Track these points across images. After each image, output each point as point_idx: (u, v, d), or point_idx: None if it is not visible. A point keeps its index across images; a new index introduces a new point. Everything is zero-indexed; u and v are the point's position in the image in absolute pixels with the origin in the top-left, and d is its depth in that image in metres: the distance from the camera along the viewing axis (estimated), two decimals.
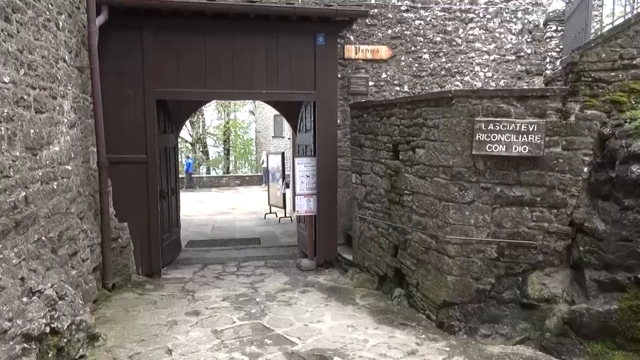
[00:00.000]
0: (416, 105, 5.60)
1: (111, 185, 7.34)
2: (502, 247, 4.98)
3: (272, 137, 28.59)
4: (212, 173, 31.27)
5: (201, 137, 32.31)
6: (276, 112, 28.99)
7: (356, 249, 7.42)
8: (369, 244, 6.97)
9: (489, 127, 4.81)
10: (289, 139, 14.15)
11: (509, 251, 4.98)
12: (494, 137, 4.81)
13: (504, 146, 4.80)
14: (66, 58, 5.89)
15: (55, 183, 5.30)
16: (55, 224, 5.12)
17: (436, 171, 5.25)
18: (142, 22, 7.28)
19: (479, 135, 4.83)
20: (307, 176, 8.20)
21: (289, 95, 7.85)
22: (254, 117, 33.24)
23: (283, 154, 13.05)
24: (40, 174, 4.91)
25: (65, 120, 5.79)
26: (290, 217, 12.84)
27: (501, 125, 4.79)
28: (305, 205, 8.18)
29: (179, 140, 33.00)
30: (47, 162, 5.16)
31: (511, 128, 4.78)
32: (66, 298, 4.51)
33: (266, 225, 12.45)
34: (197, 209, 15.97)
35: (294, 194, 8.50)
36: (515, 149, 4.79)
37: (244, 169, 33.57)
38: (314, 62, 7.80)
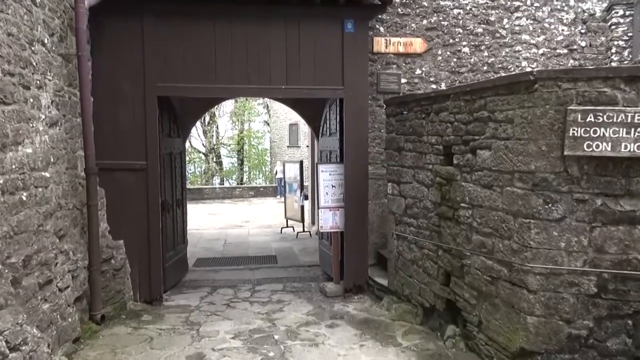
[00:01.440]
0: (479, 95, 4.38)
1: (104, 196, 6.21)
2: (604, 280, 3.71)
3: (287, 146, 27.48)
4: (226, 184, 30.23)
5: (215, 147, 31.34)
6: (292, 121, 27.97)
7: (392, 273, 6.16)
8: (409, 267, 5.72)
9: (588, 119, 3.57)
10: (307, 146, 13.01)
11: (614, 285, 3.70)
12: (594, 132, 3.57)
13: (609, 144, 3.56)
14: (45, 41, 4.79)
15: (24, 194, 4.16)
16: (20, 246, 3.97)
17: (509, 178, 4.01)
18: (142, 6, 6.19)
19: (573, 129, 3.59)
20: (332, 186, 7.00)
21: (312, 92, 6.68)
22: (269, 127, 32.24)
23: (301, 162, 11.88)
24: (0, 181, 3.78)
25: (43, 117, 4.68)
26: (309, 231, 11.63)
27: (605, 116, 3.55)
28: (330, 220, 6.96)
29: (191, 149, 32.18)
30: (14, 167, 4.03)
31: (619, 120, 3.53)
32: (24, 347, 3.34)
33: (283, 240, 11.24)
34: (208, 221, 14.83)
35: (317, 207, 7.30)
36: (625, 147, 3.54)
37: (258, 179, 32.46)
38: (342, 52, 6.63)
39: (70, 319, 4.66)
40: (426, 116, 5.24)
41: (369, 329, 5.43)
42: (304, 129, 26.82)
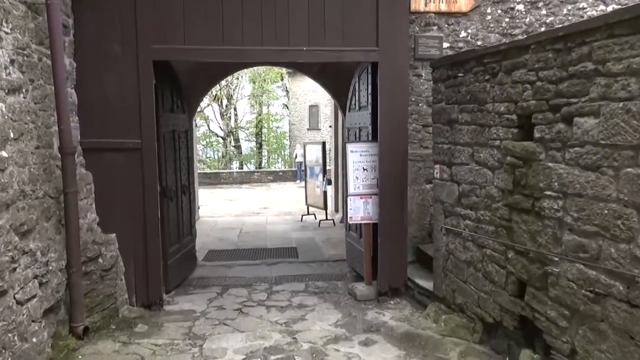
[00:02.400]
0: (579, 40, 3.11)
1: (92, 182, 5.14)
2: None
3: (307, 129, 26.30)
4: (244, 168, 29.25)
5: (233, 130, 30.31)
6: (312, 103, 26.69)
7: (440, 275, 4.98)
8: (464, 270, 4.52)
9: None
10: (330, 126, 11.80)
11: None
12: None
13: None
14: None
15: None
16: None
17: (631, 156, 2.77)
18: None
19: None
20: (363, 169, 5.81)
21: (341, 55, 5.45)
22: (288, 110, 31.04)
23: (324, 144, 10.69)
24: None
25: None
26: (333, 219, 10.49)
27: None
28: (361, 210, 5.78)
29: (209, 133, 31.12)
30: None
31: None
32: None
33: (303, 230, 10.12)
34: (224, 208, 13.81)
35: (345, 194, 6.15)
36: None
37: (277, 164, 31.37)
38: (376, 6, 5.38)
39: (35, 339, 3.62)
40: (492, 77, 3.99)
41: (414, 348, 4.28)
42: (325, 110, 25.55)
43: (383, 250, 5.60)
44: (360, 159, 5.79)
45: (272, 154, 31.46)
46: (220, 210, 13.33)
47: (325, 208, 10.56)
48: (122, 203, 5.24)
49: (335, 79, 7.12)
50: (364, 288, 5.77)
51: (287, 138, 29.34)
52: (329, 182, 10.40)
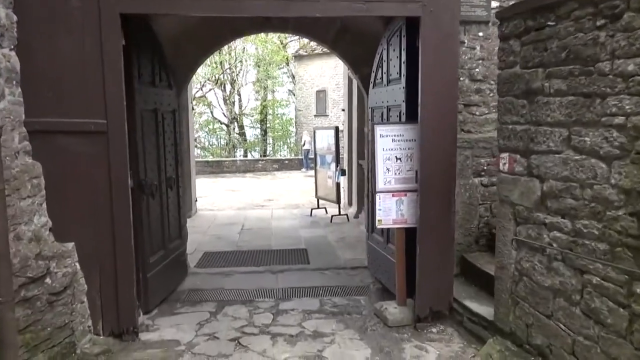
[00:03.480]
0: None
1: (41, 174, 3.83)
2: None
3: (314, 115, 24.92)
4: (249, 156, 27.91)
5: (237, 117, 28.94)
6: (319, 88, 25.23)
7: (506, 302, 3.66)
8: (548, 301, 3.20)
9: None
10: (343, 109, 10.42)
11: None
12: None
13: None
14: None
15: None
16: None
17: None
18: None
19: None
20: (396, 158, 4.47)
21: (369, 6, 4.07)
22: (294, 97, 29.59)
23: (337, 129, 9.33)
24: None
25: None
26: (346, 214, 9.18)
27: None
28: (393, 211, 4.45)
29: (212, 119, 29.66)
30: None
31: None
32: None
33: (314, 226, 8.82)
34: (225, 199, 12.53)
35: (371, 190, 4.83)
36: None
37: (282, 151, 30.01)
38: None
39: None
40: (610, 21, 2.63)
41: None
42: (333, 95, 24.14)
43: (423, 262, 4.28)
44: (392, 146, 4.46)
45: (278, 141, 30.09)
46: (221, 202, 12.05)
47: (339, 201, 9.25)
48: (82, 202, 3.94)
49: (355, 47, 5.73)
50: (397, 310, 4.46)
51: (293, 125, 27.94)
52: (343, 173, 9.08)
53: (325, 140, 9.66)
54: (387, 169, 4.47)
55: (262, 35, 24.06)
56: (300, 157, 21.92)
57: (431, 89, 4.08)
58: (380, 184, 4.48)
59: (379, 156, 4.47)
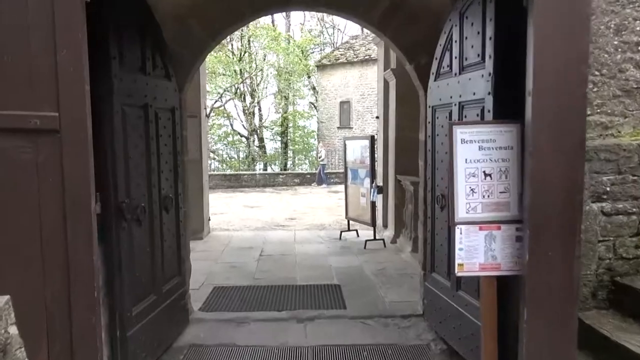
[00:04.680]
0: None
1: None
2: None
3: (337, 127, 23.63)
4: (269, 170, 26.66)
5: (257, 129, 27.79)
6: (342, 99, 23.88)
7: None
8: None
9: None
10: (377, 117, 8.96)
11: None
12: None
13: None
14: None
15: None
16: None
17: None
18: None
19: None
20: (484, 175, 3.03)
21: None
22: (315, 110, 28.34)
23: (372, 138, 7.91)
24: None
25: None
26: (383, 239, 7.72)
27: None
28: (481, 251, 3.00)
29: (232, 131, 28.45)
30: None
31: None
32: None
33: (345, 253, 7.39)
34: (243, 218, 11.19)
35: (451, 221, 3.40)
36: None
37: (303, 165, 28.70)
38: None
39: None
40: None
41: None
42: (357, 107, 22.82)
43: (533, 333, 2.80)
44: (479, 156, 3.02)
45: (298, 155, 28.80)
46: (237, 221, 10.71)
47: (374, 224, 7.81)
48: (22, 235, 2.61)
49: (409, 29, 4.34)
50: None
51: (315, 137, 26.64)
52: (380, 190, 7.64)
53: (357, 152, 8.25)
54: (472, 190, 3.04)
55: (283, 44, 22.96)
56: (315, 171, 20.57)
57: (549, 69, 2.64)
58: (461, 212, 3.04)
59: (460, 171, 3.04)
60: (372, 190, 7.58)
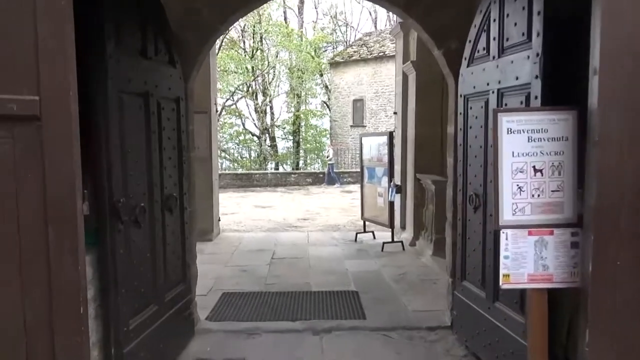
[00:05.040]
0: None
1: None
2: None
3: (351, 126, 23.19)
4: (280, 169, 26.31)
5: (268, 128, 27.46)
6: (356, 97, 23.39)
7: None
8: None
9: None
10: (395, 112, 8.51)
11: None
12: None
13: None
14: None
15: None
16: None
17: None
18: None
19: None
20: (535, 171, 2.60)
21: None
22: (328, 109, 27.92)
23: (391, 134, 7.47)
24: None
25: None
26: (401, 241, 7.29)
27: None
28: (530, 259, 2.58)
29: (244, 130, 28.12)
30: None
31: None
32: None
33: (361, 256, 6.97)
34: (254, 218, 10.82)
35: (495, 224, 2.98)
36: None
37: (315, 164, 28.30)
38: None
39: None
40: None
41: None
42: (371, 105, 22.36)
43: (594, 358, 2.36)
44: (529, 148, 2.59)
45: (310, 154, 28.40)
46: (248, 221, 10.34)
47: (392, 225, 7.37)
48: None
49: (439, 12, 3.91)
50: None
51: (328, 136, 26.23)
52: (398, 190, 7.21)
53: (374, 150, 7.82)
54: (519, 188, 2.61)
55: (296, 41, 22.60)
56: (335, 170, 20.13)
57: (621, 41, 2.20)
58: (506, 213, 2.62)
59: (505, 166, 2.61)
60: (390, 189, 7.15)
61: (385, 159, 7.39)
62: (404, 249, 7.21)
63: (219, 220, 8.59)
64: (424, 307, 4.72)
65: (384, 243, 7.22)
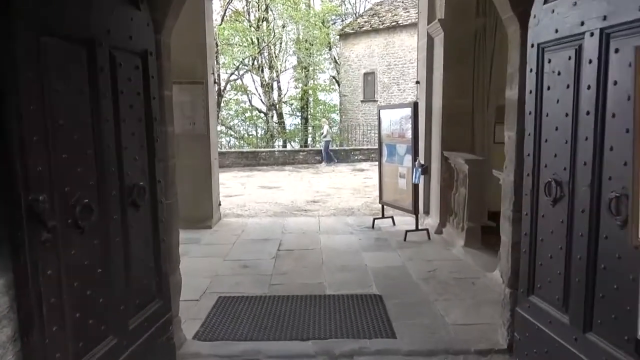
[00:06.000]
0: None
1: None
2: None
3: (361, 101, 22.02)
4: (288, 147, 25.26)
5: (276, 104, 26.31)
6: (367, 70, 22.14)
7: None
8: None
9: None
10: (417, 82, 7.38)
11: None
12: None
13: None
14: None
15: None
16: None
17: None
18: None
19: None
20: None
21: None
22: (337, 84, 26.65)
23: (416, 105, 6.39)
24: None
25: None
26: (427, 230, 6.31)
27: None
28: None
29: (250, 107, 26.88)
30: None
31: None
32: None
33: (381, 247, 6.00)
34: (260, 200, 9.88)
35: (633, 239, 1.97)
36: None
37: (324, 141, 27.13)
38: None
39: None
40: None
41: None
42: (383, 78, 21.10)
43: None
44: None
45: (319, 130, 27.26)
46: (253, 204, 9.39)
47: (416, 211, 6.37)
48: None
49: None
50: None
51: (338, 112, 25.05)
52: (425, 171, 6.19)
53: (395, 124, 6.77)
54: None
55: (303, 7, 21.25)
56: (345, 147, 19.04)
57: None
58: None
59: None
60: (414, 170, 6.12)
61: (409, 134, 6.34)
62: (429, 238, 6.24)
63: (220, 204, 7.65)
64: (466, 319, 3.76)
65: (407, 231, 6.24)
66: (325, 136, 17.68)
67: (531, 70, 2.77)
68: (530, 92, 2.78)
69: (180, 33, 6.84)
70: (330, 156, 17.05)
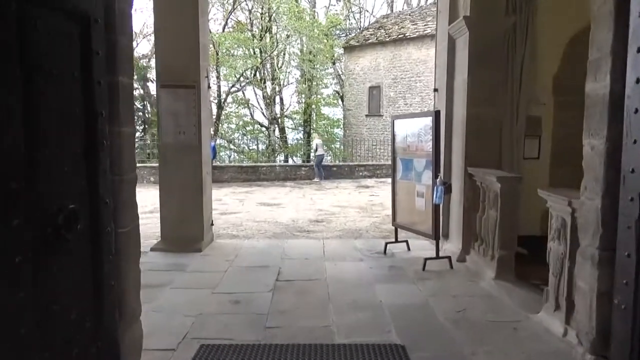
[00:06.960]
0: None
1: None
2: None
3: (366, 115, 21.25)
4: (290, 162, 24.43)
5: (278, 118, 25.57)
6: (372, 84, 21.40)
7: None
8: None
9: None
10: (436, 90, 6.52)
11: None
12: None
13: None
14: None
15: None
16: None
17: None
18: None
19: None
20: None
21: None
22: (340, 99, 25.95)
23: (437, 114, 5.53)
24: None
25: None
26: (449, 258, 5.42)
27: None
28: None
29: (252, 120, 26.08)
30: None
31: None
32: None
33: (397, 278, 5.11)
34: (258, 219, 9.00)
35: None
36: None
37: (327, 157, 26.31)
38: None
39: None
40: None
41: None
42: (389, 92, 20.35)
43: None
44: None
45: (322, 146, 26.44)
46: (251, 224, 8.51)
47: (437, 237, 5.48)
48: None
49: None
50: None
51: (341, 126, 24.28)
52: (449, 189, 5.32)
53: (413, 136, 5.92)
54: None
55: (308, 18, 20.64)
56: (349, 162, 18.21)
57: None
58: None
59: None
60: (436, 188, 5.26)
61: (428, 147, 5.50)
62: (451, 267, 5.36)
63: (212, 224, 6.77)
64: None
65: (425, 259, 5.35)
66: (316, 150, 16.84)
67: (638, 50, 1.94)
68: (638, 81, 1.93)
69: (169, 29, 6.11)
70: (320, 171, 16.22)
